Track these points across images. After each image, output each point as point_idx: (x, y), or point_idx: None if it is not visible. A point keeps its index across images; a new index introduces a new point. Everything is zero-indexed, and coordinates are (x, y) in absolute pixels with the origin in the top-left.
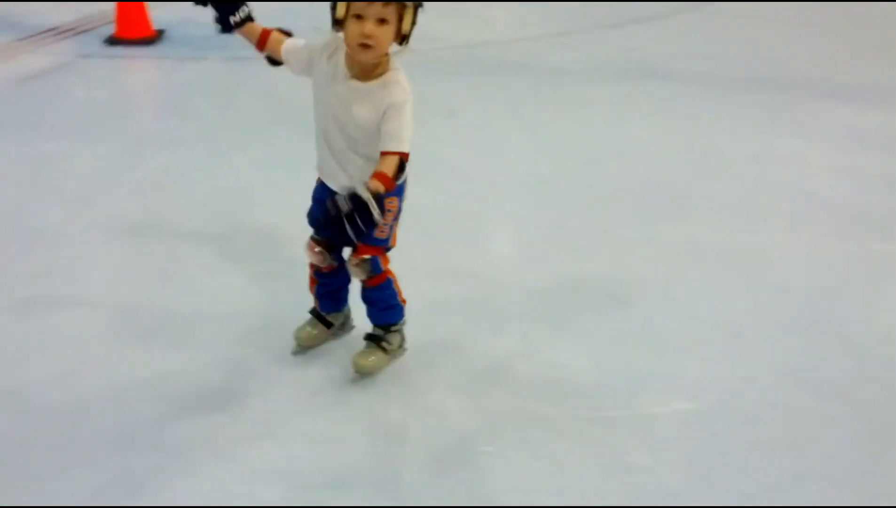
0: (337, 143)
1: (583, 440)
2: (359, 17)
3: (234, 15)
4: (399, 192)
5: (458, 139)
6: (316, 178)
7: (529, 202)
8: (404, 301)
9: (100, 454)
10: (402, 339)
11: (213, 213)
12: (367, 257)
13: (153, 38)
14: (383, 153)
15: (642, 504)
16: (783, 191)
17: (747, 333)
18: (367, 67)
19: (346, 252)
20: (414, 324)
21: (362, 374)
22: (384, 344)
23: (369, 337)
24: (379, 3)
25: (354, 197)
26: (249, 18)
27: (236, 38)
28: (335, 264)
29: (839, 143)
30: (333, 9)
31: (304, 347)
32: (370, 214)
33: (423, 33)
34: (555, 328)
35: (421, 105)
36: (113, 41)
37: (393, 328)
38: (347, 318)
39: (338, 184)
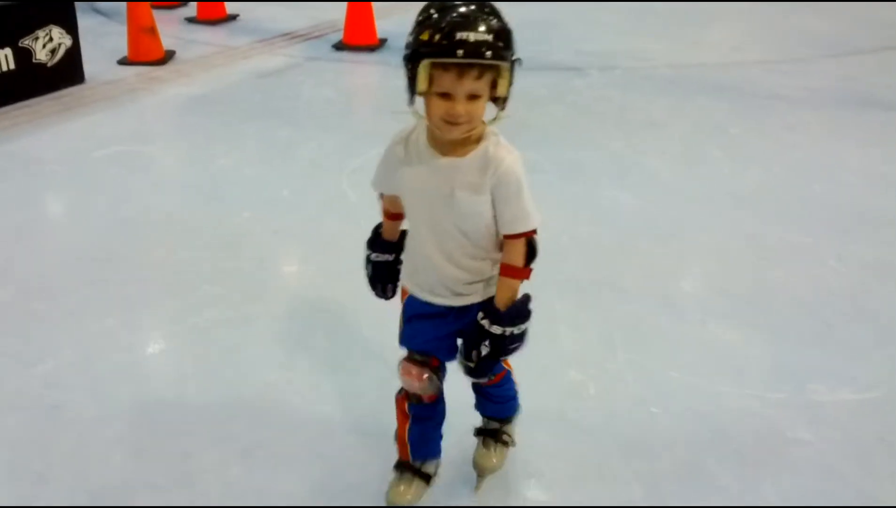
0: (431, 241)
1: (748, 416)
2: (445, 95)
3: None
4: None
5: (659, 150)
6: (402, 291)
7: (725, 211)
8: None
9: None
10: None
11: None
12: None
13: (376, 45)
14: (508, 237)
15: (797, 474)
16: None
17: None
18: (457, 141)
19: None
20: (596, 307)
21: (488, 475)
22: (505, 437)
23: (486, 433)
24: (471, 77)
25: (495, 317)
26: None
27: None
28: (441, 387)
29: None
30: (412, 79)
31: None
32: (518, 334)
33: (636, 52)
34: (736, 321)
35: (626, 116)
36: (340, 47)
37: (513, 419)
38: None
39: (433, 294)
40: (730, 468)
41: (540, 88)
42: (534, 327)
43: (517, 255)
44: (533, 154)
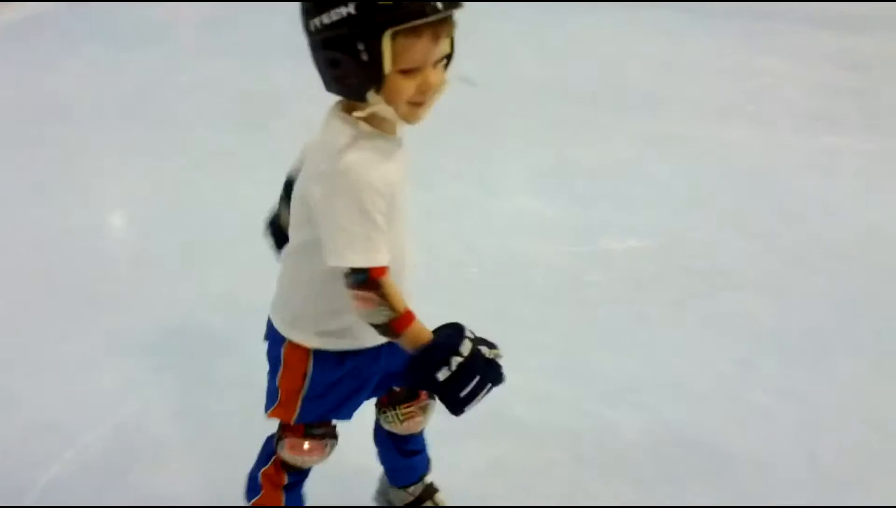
0: (407, 247)
1: (549, 268)
2: (409, 71)
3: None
4: None
5: (468, 54)
6: (296, 355)
7: (530, 100)
8: None
9: None
10: None
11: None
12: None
13: None
14: None
15: (588, 306)
16: (749, 97)
17: (702, 198)
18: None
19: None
20: (418, 188)
21: None
22: (434, 486)
23: (419, 501)
24: (445, 33)
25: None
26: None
27: None
28: None
29: (812, 61)
30: (371, 63)
31: None
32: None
33: None
34: (540, 192)
35: None
36: None
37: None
38: None
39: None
40: (534, 306)
41: None
42: None
43: None
44: None
